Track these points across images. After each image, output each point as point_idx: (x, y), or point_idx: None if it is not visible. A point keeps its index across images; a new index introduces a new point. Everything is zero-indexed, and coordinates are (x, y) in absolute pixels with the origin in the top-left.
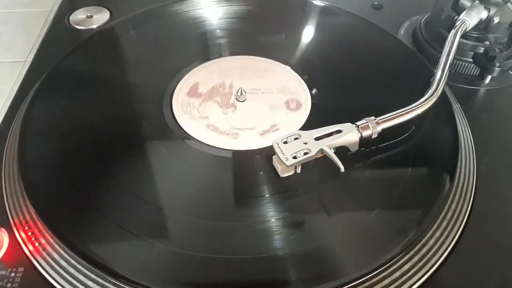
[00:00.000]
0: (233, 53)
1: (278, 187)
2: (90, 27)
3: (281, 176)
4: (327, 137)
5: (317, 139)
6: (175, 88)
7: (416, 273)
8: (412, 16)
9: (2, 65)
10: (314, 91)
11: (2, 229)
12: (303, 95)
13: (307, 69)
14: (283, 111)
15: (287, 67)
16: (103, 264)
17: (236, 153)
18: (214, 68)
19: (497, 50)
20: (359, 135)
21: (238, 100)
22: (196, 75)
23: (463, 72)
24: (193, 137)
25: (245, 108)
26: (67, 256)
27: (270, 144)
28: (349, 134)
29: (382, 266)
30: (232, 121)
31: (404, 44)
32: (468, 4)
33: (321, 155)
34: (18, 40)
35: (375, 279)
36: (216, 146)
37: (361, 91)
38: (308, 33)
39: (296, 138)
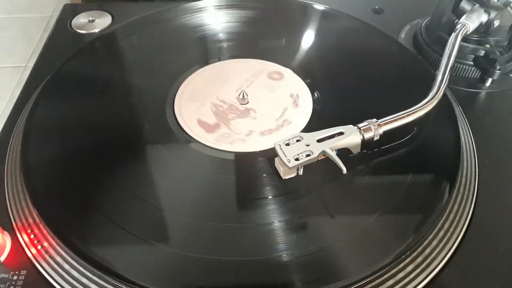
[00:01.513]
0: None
1: (280, 189)
2: (92, 31)
3: (283, 178)
4: (329, 139)
5: (319, 141)
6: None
7: (419, 274)
8: (413, 20)
9: (3, 70)
10: (315, 95)
11: (5, 232)
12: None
13: (309, 72)
14: (277, 83)
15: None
16: (106, 267)
17: (238, 155)
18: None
19: (497, 53)
20: (361, 137)
21: (243, 104)
22: (185, 107)
23: (464, 75)
24: (204, 144)
25: (259, 103)
26: (69, 259)
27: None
28: (351, 136)
29: (386, 266)
30: (267, 117)
31: (405, 47)
32: (468, 7)
33: (323, 157)
34: (19, 45)
35: (378, 280)
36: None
37: (363, 94)
38: (309, 37)
39: (298, 140)
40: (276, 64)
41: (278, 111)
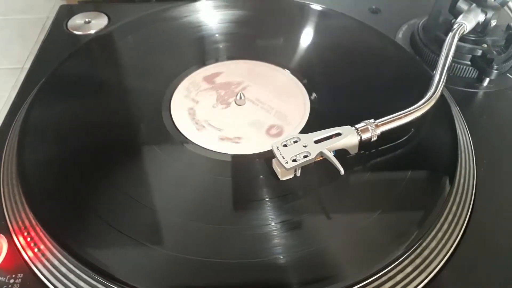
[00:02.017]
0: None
1: (278, 190)
2: (88, 32)
3: (280, 179)
4: (326, 140)
5: (316, 142)
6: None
7: (418, 276)
8: (410, 19)
9: None
10: (313, 96)
11: (1, 235)
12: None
13: (306, 73)
14: (261, 132)
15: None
16: (103, 269)
17: (236, 157)
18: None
19: (494, 52)
20: (359, 137)
21: (236, 103)
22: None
23: (461, 75)
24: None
25: (236, 111)
26: (66, 262)
27: (269, 148)
28: (349, 137)
29: (384, 268)
30: (211, 115)
31: (402, 47)
32: (465, 7)
33: (321, 158)
34: (15, 46)
35: (377, 282)
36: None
37: (360, 95)
38: (306, 37)
39: (295, 141)
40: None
41: (216, 125)
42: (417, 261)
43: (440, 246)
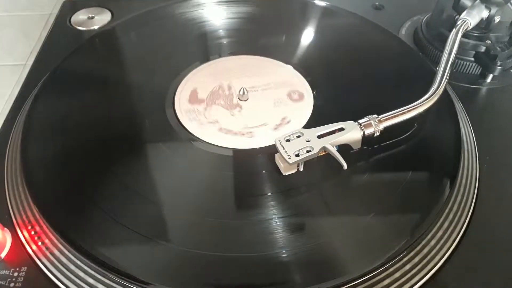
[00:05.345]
0: (233, 53)
1: (281, 185)
2: (92, 28)
3: (283, 174)
4: (329, 135)
5: (319, 137)
6: (177, 87)
7: (417, 274)
8: (413, 16)
9: (2, 68)
10: (316, 91)
11: (5, 228)
12: (305, 92)
13: (309, 69)
14: (288, 103)
15: (289, 66)
16: (106, 263)
17: (238, 152)
18: (215, 68)
19: (498, 49)
20: (362, 133)
21: (240, 100)
22: (193, 79)
23: (464, 71)
24: (205, 141)
25: (251, 107)
26: (70, 255)
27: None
28: (352, 132)
29: (382, 265)
30: (242, 120)
31: (405, 43)
32: (469, 3)
33: (324, 153)
34: (18, 43)
35: (375, 279)
36: (217, 144)
37: (363, 90)
38: (310, 34)
39: (298, 136)
40: (304, 83)
41: (255, 124)
42: (416, 259)
43: (440, 244)
